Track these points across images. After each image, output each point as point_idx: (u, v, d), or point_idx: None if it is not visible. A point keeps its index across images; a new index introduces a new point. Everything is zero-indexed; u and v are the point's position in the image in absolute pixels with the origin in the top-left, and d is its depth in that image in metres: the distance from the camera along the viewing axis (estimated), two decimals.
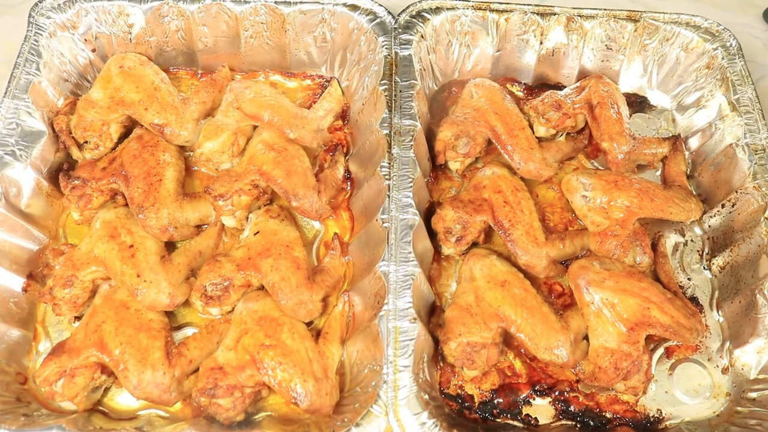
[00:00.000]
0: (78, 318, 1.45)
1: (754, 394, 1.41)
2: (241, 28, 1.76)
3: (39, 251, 1.52)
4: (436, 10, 1.77)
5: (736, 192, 1.58)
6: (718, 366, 1.49)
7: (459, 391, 1.44)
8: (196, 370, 1.38)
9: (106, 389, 1.40)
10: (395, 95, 1.63)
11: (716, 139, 1.68)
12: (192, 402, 1.36)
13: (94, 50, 1.74)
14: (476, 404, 1.43)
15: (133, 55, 1.72)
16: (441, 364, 1.46)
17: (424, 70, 1.77)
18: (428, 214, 1.60)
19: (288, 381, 1.32)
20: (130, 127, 1.67)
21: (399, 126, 1.59)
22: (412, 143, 1.56)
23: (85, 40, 1.72)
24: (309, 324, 1.46)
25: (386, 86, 1.64)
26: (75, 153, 1.62)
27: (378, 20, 1.73)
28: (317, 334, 1.45)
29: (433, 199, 1.67)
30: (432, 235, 1.57)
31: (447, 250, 1.57)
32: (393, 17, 1.73)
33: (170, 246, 1.54)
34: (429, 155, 1.69)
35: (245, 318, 1.40)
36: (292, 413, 1.38)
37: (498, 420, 1.42)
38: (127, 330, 1.36)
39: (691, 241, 1.65)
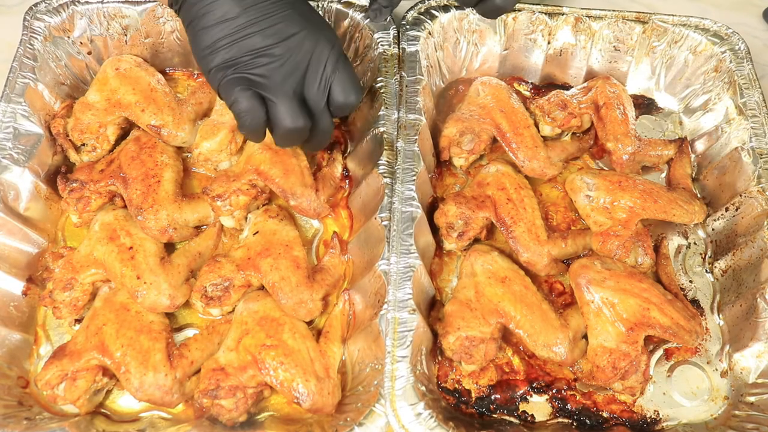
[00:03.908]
0: (78, 321, 1.45)
1: (752, 398, 1.41)
2: None
3: (38, 255, 1.51)
4: (445, 8, 1.77)
5: (741, 196, 1.58)
6: (717, 369, 1.48)
7: (456, 385, 1.44)
8: (198, 371, 1.38)
9: (108, 392, 1.40)
10: (401, 90, 1.63)
11: (722, 142, 1.68)
12: (194, 403, 1.36)
13: (89, 53, 1.73)
14: (473, 399, 1.43)
15: (129, 57, 1.72)
16: (439, 359, 1.46)
17: (431, 66, 1.77)
18: (431, 209, 1.61)
19: (290, 381, 1.32)
20: (127, 129, 1.66)
21: (404, 120, 1.59)
22: (416, 137, 1.56)
23: (81, 43, 1.71)
24: (309, 323, 1.46)
25: (383, 83, 1.63)
26: (72, 156, 1.62)
27: None
28: (318, 334, 1.45)
29: (436, 194, 1.67)
30: (434, 230, 1.58)
31: (448, 245, 1.57)
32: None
33: (169, 247, 1.54)
34: (434, 151, 1.70)
35: (246, 318, 1.41)
36: (295, 413, 1.38)
37: (494, 416, 1.42)
38: (127, 332, 1.36)
39: (694, 243, 1.65)
